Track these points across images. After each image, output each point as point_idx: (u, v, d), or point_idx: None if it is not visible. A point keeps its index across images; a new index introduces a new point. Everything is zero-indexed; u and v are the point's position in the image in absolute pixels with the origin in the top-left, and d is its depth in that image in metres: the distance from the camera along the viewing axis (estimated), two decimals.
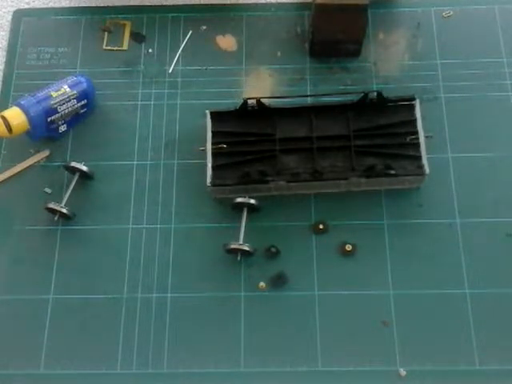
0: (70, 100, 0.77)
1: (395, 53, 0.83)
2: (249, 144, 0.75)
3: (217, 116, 0.75)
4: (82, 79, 0.78)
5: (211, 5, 0.87)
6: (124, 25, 0.86)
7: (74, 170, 0.75)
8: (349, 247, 0.72)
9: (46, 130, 0.76)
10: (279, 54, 0.83)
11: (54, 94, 0.76)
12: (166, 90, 0.82)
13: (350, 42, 0.80)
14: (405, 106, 0.75)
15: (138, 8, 0.87)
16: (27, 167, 0.78)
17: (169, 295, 0.72)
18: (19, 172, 0.78)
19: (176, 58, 0.84)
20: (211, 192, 0.74)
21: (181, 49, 0.84)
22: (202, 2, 0.87)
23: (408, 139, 0.74)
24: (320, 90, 0.80)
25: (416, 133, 0.73)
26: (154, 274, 0.73)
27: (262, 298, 0.71)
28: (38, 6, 0.88)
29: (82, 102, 0.78)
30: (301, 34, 0.84)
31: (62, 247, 0.74)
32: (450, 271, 0.71)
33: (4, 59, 0.84)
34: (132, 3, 0.87)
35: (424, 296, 0.70)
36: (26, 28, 0.86)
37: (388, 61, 0.82)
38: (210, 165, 0.73)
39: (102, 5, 0.88)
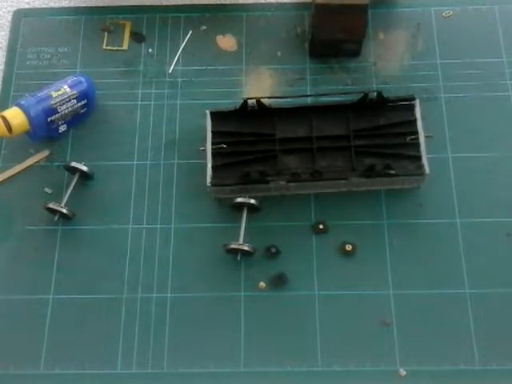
0: (69, 100, 0.77)
1: (395, 53, 0.83)
2: (249, 144, 0.75)
3: (217, 116, 0.75)
4: (82, 79, 0.78)
5: (211, 5, 0.87)
6: (124, 25, 0.86)
7: (74, 170, 0.75)
8: (349, 247, 0.72)
9: (45, 130, 0.76)
10: (279, 54, 0.83)
11: (54, 94, 0.76)
12: (166, 90, 0.82)
13: (350, 42, 0.80)
14: (405, 105, 0.75)
15: (138, 8, 0.87)
16: (27, 167, 0.78)
17: (169, 295, 0.72)
18: (19, 172, 0.78)
19: (176, 58, 0.84)
20: (211, 192, 0.74)
21: (181, 49, 0.84)
22: (202, 2, 0.87)
23: (408, 139, 0.74)
24: (320, 90, 0.80)
25: (416, 133, 0.73)
26: (154, 274, 0.73)
27: (262, 298, 0.71)
28: (38, 6, 0.88)
29: (82, 102, 0.78)
30: (301, 34, 0.84)
31: (62, 247, 0.74)
32: (450, 271, 0.71)
33: (4, 59, 0.84)
34: (132, 3, 0.87)
35: (424, 296, 0.70)
36: (26, 28, 0.86)
37: (388, 61, 0.82)
38: (209, 165, 0.73)
39: (101, 5, 0.88)
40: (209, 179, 0.72)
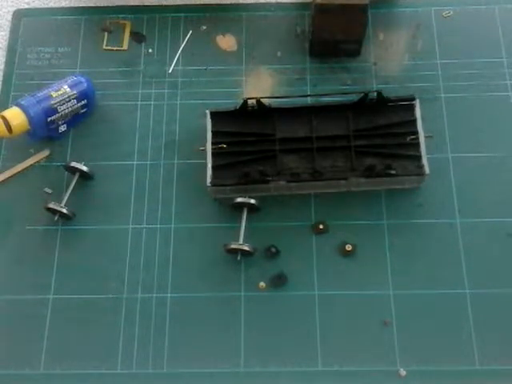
0: (69, 100, 0.77)
1: (395, 53, 0.83)
2: (249, 144, 0.75)
3: (217, 116, 0.75)
4: (82, 79, 0.78)
5: (211, 5, 0.87)
6: (124, 25, 0.86)
7: (74, 170, 0.75)
8: (349, 247, 0.72)
9: (45, 130, 0.76)
10: (279, 54, 0.83)
11: (54, 94, 0.76)
12: (166, 90, 0.82)
13: (350, 42, 0.80)
14: (405, 105, 0.75)
15: (138, 8, 0.87)
16: (27, 167, 0.78)
17: (169, 295, 0.72)
18: (19, 172, 0.78)
19: (176, 58, 0.84)
20: (211, 192, 0.74)
21: (181, 49, 0.84)
22: (202, 2, 0.87)
23: (408, 139, 0.74)
24: (320, 90, 0.80)
25: (416, 133, 0.73)
26: (154, 274, 0.73)
27: (262, 298, 0.71)
28: (38, 6, 0.88)
29: (82, 102, 0.78)
30: (301, 34, 0.84)
31: (62, 247, 0.74)
32: (450, 271, 0.71)
33: (4, 59, 0.84)
34: (132, 3, 0.87)
35: (424, 296, 0.70)
36: (26, 28, 0.86)
37: (388, 61, 0.82)
38: (209, 165, 0.73)
39: (101, 5, 0.88)
40: (209, 179, 0.72)
